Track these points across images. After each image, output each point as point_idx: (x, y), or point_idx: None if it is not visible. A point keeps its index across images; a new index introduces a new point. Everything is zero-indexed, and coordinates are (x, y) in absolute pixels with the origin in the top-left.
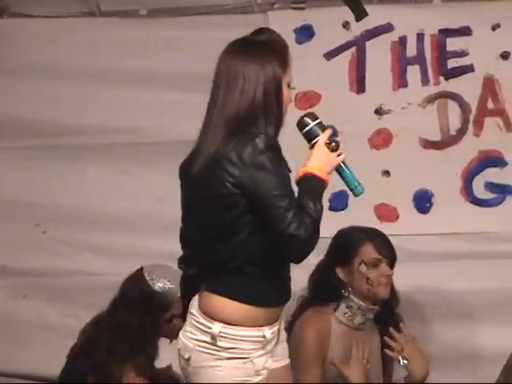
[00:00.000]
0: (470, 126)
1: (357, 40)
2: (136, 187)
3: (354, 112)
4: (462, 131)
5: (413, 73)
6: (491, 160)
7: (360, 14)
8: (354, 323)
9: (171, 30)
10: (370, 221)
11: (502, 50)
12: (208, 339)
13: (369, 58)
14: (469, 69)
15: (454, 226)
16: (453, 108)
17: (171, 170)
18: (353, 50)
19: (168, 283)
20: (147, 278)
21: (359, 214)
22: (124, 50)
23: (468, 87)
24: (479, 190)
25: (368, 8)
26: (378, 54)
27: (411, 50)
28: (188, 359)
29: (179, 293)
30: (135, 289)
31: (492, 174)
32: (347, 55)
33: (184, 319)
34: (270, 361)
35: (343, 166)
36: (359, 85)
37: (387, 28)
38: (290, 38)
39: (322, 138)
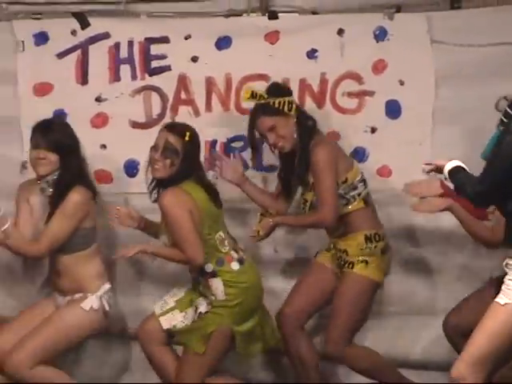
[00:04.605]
0: (168, 111)
1: (82, 44)
2: None
3: (79, 99)
4: (161, 115)
5: (125, 70)
6: None
7: (84, 24)
8: None
9: None
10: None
11: (192, 55)
12: None
13: (91, 58)
14: (167, 68)
15: None
16: (155, 98)
17: None
18: (79, 51)
19: None
20: None
21: None
22: None
23: (166, 82)
24: None
25: (90, 19)
26: (98, 56)
27: (123, 53)
28: None
29: None
30: None
31: None
32: (74, 56)
33: None
34: None
35: None
36: (83, 78)
37: (105, 35)
38: (29, 42)
39: None
